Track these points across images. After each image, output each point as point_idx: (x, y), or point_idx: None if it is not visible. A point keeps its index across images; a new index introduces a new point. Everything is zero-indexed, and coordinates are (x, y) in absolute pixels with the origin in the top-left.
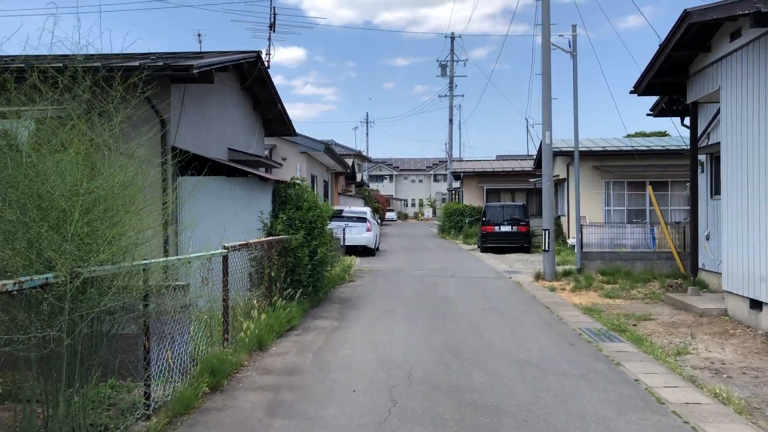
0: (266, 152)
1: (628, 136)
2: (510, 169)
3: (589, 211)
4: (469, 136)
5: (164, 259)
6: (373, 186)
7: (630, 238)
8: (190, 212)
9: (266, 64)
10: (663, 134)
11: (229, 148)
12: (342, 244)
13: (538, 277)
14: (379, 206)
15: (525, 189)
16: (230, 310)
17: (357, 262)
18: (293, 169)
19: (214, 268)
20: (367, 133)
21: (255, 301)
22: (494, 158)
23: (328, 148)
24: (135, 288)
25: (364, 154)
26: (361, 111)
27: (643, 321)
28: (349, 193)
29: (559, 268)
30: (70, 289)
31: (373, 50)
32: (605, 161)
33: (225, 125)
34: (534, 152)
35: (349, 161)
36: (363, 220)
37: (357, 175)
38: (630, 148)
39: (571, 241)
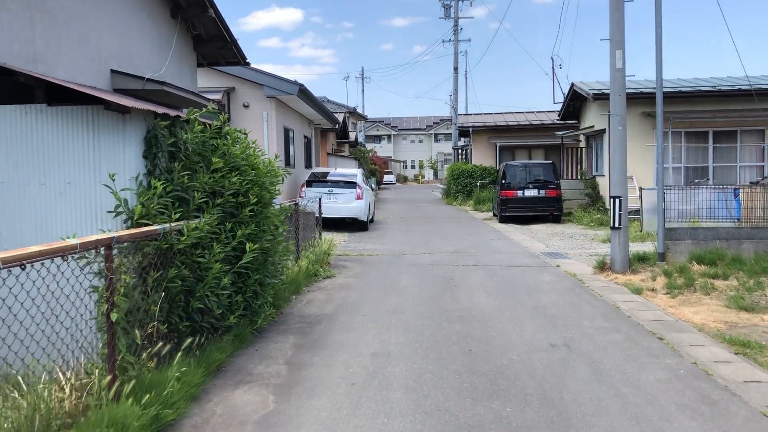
0: (219, 96)
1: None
2: (527, 123)
3: (636, 170)
4: (476, 92)
5: None
6: (369, 147)
7: (705, 206)
8: None
9: None
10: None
11: (113, 71)
12: (317, 215)
13: (602, 266)
14: (377, 168)
15: (545, 145)
16: None
17: (343, 241)
18: (259, 119)
19: None
20: (362, 90)
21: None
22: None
23: (303, 90)
24: None
25: (360, 111)
26: (359, 71)
27: None
28: (341, 154)
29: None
30: None
31: (370, 10)
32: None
33: (102, 30)
34: (561, 100)
35: (340, 117)
36: (352, 185)
37: (351, 134)
38: (691, 89)
39: None
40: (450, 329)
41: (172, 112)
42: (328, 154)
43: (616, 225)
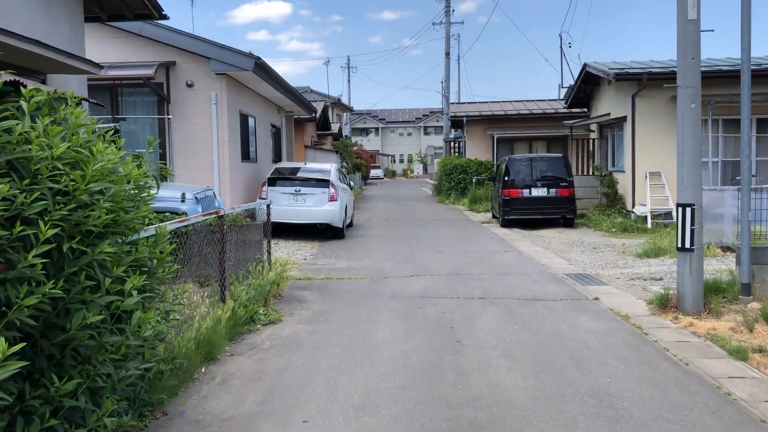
0: (152, 71)
1: None
2: (527, 112)
3: (662, 164)
4: (470, 84)
5: None
6: (356, 140)
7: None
8: None
9: None
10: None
11: None
12: (264, 221)
13: (664, 303)
14: (362, 162)
15: (549, 137)
16: None
17: (309, 255)
18: (206, 102)
19: None
20: (348, 80)
21: None
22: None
23: (261, 65)
24: None
25: (345, 102)
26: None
27: None
28: (322, 147)
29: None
30: None
31: (359, 3)
32: None
33: None
34: (568, 86)
35: (320, 106)
36: (324, 183)
37: (334, 125)
38: (732, 68)
39: (641, 210)
40: None
41: None
42: (306, 146)
43: (687, 245)
